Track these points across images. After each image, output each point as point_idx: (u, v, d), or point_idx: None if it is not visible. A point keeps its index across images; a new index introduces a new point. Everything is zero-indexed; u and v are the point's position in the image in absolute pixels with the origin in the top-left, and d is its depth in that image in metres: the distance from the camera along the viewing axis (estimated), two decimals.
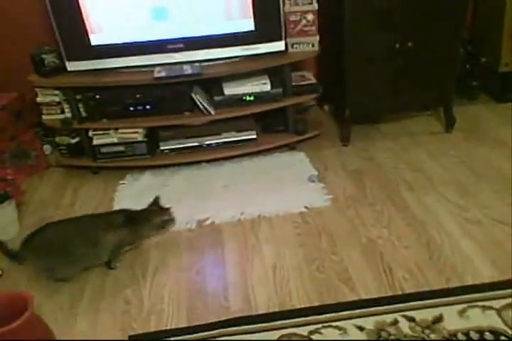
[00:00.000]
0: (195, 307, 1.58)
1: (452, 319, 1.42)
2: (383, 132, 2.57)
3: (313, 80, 2.45)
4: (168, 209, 1.84)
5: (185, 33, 2.17)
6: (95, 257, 1.76)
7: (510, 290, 1.48)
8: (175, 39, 2.17)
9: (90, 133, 2.28)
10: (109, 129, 2.26)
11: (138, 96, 2.21)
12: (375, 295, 1.54)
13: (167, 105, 2.24)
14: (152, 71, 2.17)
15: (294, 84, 2.38)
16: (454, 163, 2.21)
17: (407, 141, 2.45)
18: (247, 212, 2.04)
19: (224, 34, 2.18)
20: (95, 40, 2.17)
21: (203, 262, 1.79)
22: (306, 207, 2.03)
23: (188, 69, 2.14)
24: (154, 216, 1.81)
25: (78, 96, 2.23)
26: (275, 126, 2.48)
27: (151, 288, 1.68)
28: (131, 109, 2.23)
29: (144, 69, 2.20)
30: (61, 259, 1.71)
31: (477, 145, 2.33)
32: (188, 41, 2.17)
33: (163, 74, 2.12)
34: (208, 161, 2.37)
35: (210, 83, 2.31)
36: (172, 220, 1.83)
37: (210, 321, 1.51)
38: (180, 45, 2.17)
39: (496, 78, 2.72)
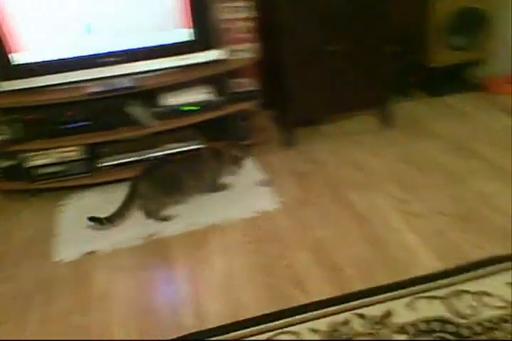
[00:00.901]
0: (146, 326, 1.53)
1: (401, 312, 1.45)
2: (326, 133, 2.61)
3: (254, 87, 2.45)
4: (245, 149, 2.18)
5: (117, 46, 2.12)
6: (198, 189, 2.12)
7: (452, 279, 1.53)
8: (108, 53, 2.12)
9: (26, 155, 2.19)
10: (45, 149, 2.18)
11: (73, 113, 2.14)
12: (327, 296, 1.55)
13: (104, 120, 2.18)
14: (86, 86, 2.12)
15: (234, 91, 2.38)
16: (394, 160, 2.27)
17: (349, 140, 2.50)
18: (197, 222, 2.01)
19: (159, 45, 2.15)
20: (23, 58, 2.09)
21: (152, 279, 1.74)
22: (256, 212, 2.03)
23: (123, 83, 2.10)
24: (231, 151, 2.13)
25: (10, 117, 2.14)
26: (219, 134, 2.47)
27: (99, 312, 1.62)
28: (67, 126, 2.16)
29: (77, 85, 2.14)
30: (174, 192, 2.05)
31: (415, 141, 2.41)
32: (122, 54, 2.13)
33: (96, 89, 2.07)
34: None
35: (149, 95, 2.26)
36: (241, 158, 2.15)
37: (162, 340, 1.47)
38: (114, 59, 2.12)
39: (427, 74, 2.83)
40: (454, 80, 2.91)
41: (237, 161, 2.15)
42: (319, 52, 2.28)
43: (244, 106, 2.38)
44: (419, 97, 2.85)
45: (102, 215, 1.99)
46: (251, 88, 2.41)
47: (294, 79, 2.33)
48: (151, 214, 2.06)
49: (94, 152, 2.30)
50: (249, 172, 2.33)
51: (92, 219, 2.00)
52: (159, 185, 2.02)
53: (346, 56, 2.31)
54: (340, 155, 2.38)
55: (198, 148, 2.26)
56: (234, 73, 2.39)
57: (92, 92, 2.07)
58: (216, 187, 2.19)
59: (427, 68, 2.75)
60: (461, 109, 2.65)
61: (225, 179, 2.23)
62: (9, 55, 2.08)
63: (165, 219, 2.05)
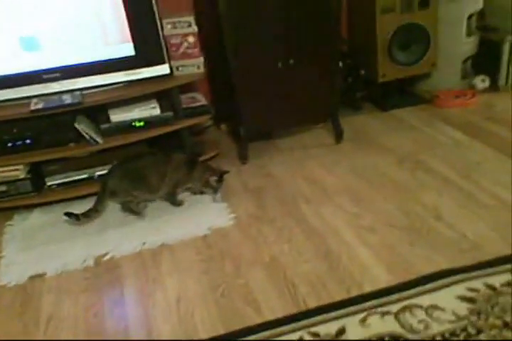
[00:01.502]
0: None
1: (354, 329, 1.44)
2: (279, 147, 2.62)
3: (204, 101, 2.44)
4: (221, 174, 2.16)
5: (60, 62, 2.07)
6: (159, 189, 2.10)
7: (404, 293, 1.54)
8: (51, 68, 2.06)
9: None
10: None
11: (15, 130, 2.06)
12: (281, 314, 1.53)
13: (49, 137, 2.11)
14: (30, 103, 2.04)
15: (184, 106, 2.35)
16: (345, 173, 2.30)
17: (302, 154, 2.52)
18: (149, 241, 1.96)
19: (104, 60, 2.11)
20: None
21: (101, 303, 1.67)
22: (209, 229, 1.99)
23: (67, 99, 2.04)
24: (207, 170, 2.17)
25: None
26: (173, 149, 2.43)
27: (46, 337, 1.55)
28: (10, 144, 2.08)
29: (20, 101, 2.06)
30: (142, 186, 2.07)
31: (366, 154, 2.44)
32: (66, 69, 2.07)
33: (40, 106, 2.00)
34: None
35: (96, 111, 2.21)
36: (214, 188, 2.16)
37: None
38: (58, 74, 2.06)
39: (376, 88, 2.89)
40: (403, 94, 3.00)
41: (208, 184, 2.16)
42: (268, 67, 2.30)
43: (196, 121, 2.36)
44: (370, 111, 2.91)
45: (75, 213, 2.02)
46: (202, 103, 2.39)
47: (244, 94, 2.33)
48: (129, 209, 2.13)
49: (40, 171, 2.21)
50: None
51: (67, 214, 2.01)
52: (127, 178, 2.06)
53: (295, 71, 2.33)
54: (293, 169, 2.39)
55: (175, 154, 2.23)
56: (184, 88, 2.37)
57: (36, 109, 1.99)
58: (174, 197, 2.16)
59: (376, 82, 2.82)
60: (410, 123, 2.71)
61: (182, 195, 2.21)
62: None
63: (180, 203, 2.16)
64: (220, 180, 2.17)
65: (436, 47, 2.79)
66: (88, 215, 2.03)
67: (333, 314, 1.50)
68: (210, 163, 2.32)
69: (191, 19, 2.20)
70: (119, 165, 2.08)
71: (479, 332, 1.38)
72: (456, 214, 1.91)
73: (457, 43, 2.89)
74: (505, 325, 1.39)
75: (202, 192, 2.22)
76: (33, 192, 2.16)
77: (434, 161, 2.30)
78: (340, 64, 2.74)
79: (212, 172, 2.18)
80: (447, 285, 1.55)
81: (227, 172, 2.21)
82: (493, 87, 2.96)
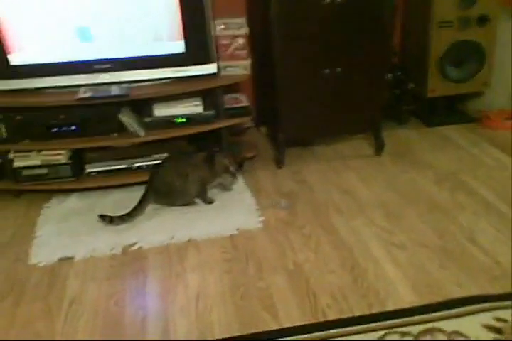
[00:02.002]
0: (111, 338, 1.50)
1: None
2: (316, 155, 2.60)
3: (247, 103, 2.44)
4: (241, 162, 2.23)
5: (112, 54, 2.13)
6: (189, 192, 2.14)
7: (427, 315, 1.49)
8: (102, 59, 2.12)
9: (11, 155, 2.16)
10: (31, 151, 2.15)
11: (62, 117, 2.12)
12: (298, 323, 1.52)
13: (93, 126, 2.16)
14: (79, 92, 2.10)
15: (227, 106, 2.37)
16: (381, 187, 2.25)
17: (339, 164, 2.48)
18: (177, 236, 1.98)
19: (153, 55, 2.15)
20: (16, 59, 2.09)
21: (123, 292, 1.70)
22: (237, 229, 2.00)
23: (114, 90, 2.09)
24: (226, 160, 2.17)
25: (1, 116, 2.13)
26: (209, 148, 2.45)
27: (65, 321, 1.58)
28: (55, 130, 2.15)
29: (69, 89, 2.13)
30: (174, 196, 2.14)
31: (405, 169, 2.39)
32: (116, 62, 2.12)
33: (88, 94, 2.06)
34: (138, 184, 2.29)
35: (141, 104, 2.26)
36: (233, 175, 2.19)
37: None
38: (108, 66, 2.12)
39: (424, 103, 2.83)
40: (451, 111, 2.91)
41: (228, 170, 2.17)
42: (313, 74, 2.28)
43: (236, 121, 2.37)
44: (415, 126, 2.84)
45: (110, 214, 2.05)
46: (244, 104, 2.40)
47: (286, 100, 2.33)
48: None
49: (81, 157, 2.28)
50: (236, 187, 2.31)
51: (101, 216, 2.04)
52: (160, 194, 2.14)
53: (341, 79, 2.30)
54: (329, 178, 2.36)
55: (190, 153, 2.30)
56: (228, 88, 2.39)
57: (84, 98, 2.05)
58: (204, 194, 2.18)
59: (424, 97, 2.75)
60: (456, 141, 2.64)
61: (213, 192, 2.23)
62: (8, 56, 2.07)
63: (210, 201, 2.19)
64: (240, 167, 2.22)
65: (490, 66, 2.70)
66: (123, 219, 2.04)
67: (351, 328, 1.47)
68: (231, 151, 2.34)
69: (243, 21, 2.21)
70: (150, 180, 2.12)
71: None
72: (492, 239, 1.84)
73: None
74: None
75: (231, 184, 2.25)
76: (72, 177, 2.22)
77: (475, 183, 2.23)
78: (390, 76, 2.70)
79: (231, 159, 2.18)
80: (474, 312, 1.49)
81: (246, 158, 2.25)
82: None
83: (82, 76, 2.12)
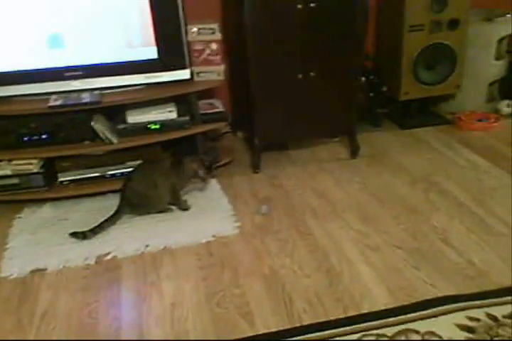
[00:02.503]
0: None
1: None
2: (293, 159, 2.61)
3: (222, 108, 2.44)
4: (210, 165, 2.16)
5: (83, 61, 2.10)
6: (161, 199, 2.12)
7: (401, 317, 1.50)
8: (73, 66, 2.10)
9: None
10: (1, 161, 2.11)
11: (33, 125, 2.09)
12: (274, 328, 1.51)
13: (65, 134, 2.13)
14: (50, 99, 2.07)
15: (202, 112, 2.36)
16: (356, 189, 2.27)
17: (315, 167, 2.49)
18: (152, 244, 1.96)
19: (126, 62, 2.14)
20: None
21: (97, 303, 1.67)
22: (213, 236, 1.99)
23: (86, 98, 2.07)
24: (194, 164, 2.13)
25: None
26: (186, 153, 2.44)
27: (37, 334, 1.55)
28: (26, 138, 2.11)
29: (40, 97, 2.10)
30: (147, 206, 2.12)
31: (380, 172, 2.41)
32: (87, 68, 2.10)
33: (59, 102, 2.03)
34: (112, 192, 2.26)
35: (114, 111, 2.24)
36: (202, 179, 2.17)
37: None
38: (79, 73, 2.10)
39: (397, 106, 2.86)
40: (425, 114, 2.95)
41: (197, 175, 2.15)
42: (287, 78, 2.29)
43: (212, 127, 2.36)
44: (389, 128, 2.87)
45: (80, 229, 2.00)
46: (219, 110, 2.40)
47: (261, 104, 2.33)
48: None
49: (53, 166, 2.24)
50: (212, 193, 2.31)
51: (73, 234, 1.99)
52: (133, 205, 2.11)
53: (315, 84, 2.32)
54: (304, 182, 2.36)
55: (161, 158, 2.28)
56: (203, 94, 2.38)
57: (55, 106, 2.03)
58: (178, 201, 2.17)
59: (397, 100, 2.78)
60: (428, 143, 2.67)
61: (188, 199, 2.21)
62: None
63: (186, 207, 2.17)
64: (209, 171, 2.18)
65: (462, 68, 2.75)
66: (95, 232, 2.00)
67: (326, 332, 1.47)
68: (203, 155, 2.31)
69: (216, 26, 2.21)
70: (122, 193, 2.10)
71: None
72: (466, 240, 1.86)
73: (485, 66, 2.84)
74: None
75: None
76: (44, 187, 2.18)
77: (448, 184, 2.26)
78: (363, 79, 2.72)
79: (199, 163, 2.15)
80: (447, 312, 1.51)
81: (216, 162, 2.23)
82: None
83: (53, 83, 2.10)
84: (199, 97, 2.34)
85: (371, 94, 2.80)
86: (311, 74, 2.29)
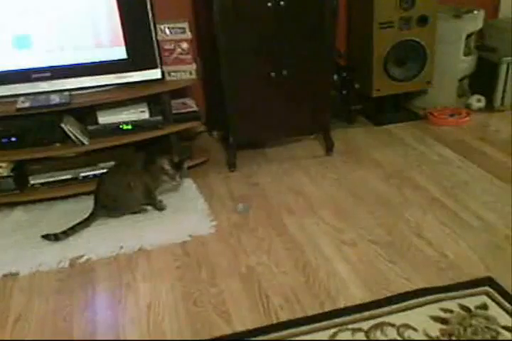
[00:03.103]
0: None
1: None
2: (268, 157, 2.61)
3: (195, 107, 2.43)
4: (179, 162, 2.12)
5: (51, 62, 2.07)
6: (135, 201, 2.10)
7: (377, 311, 1.51)
8: (40, 68, 2.06)
9: None
10: None
11: (1, 128, 2.05)
12: (251, 327, 1.51)
13: (35, 137, 2.10)
14: (18, 101, 2.04)
15: (175, 111, 2.34)
16: (332, 186, 2.28)
17: (290, 164, 2.50)
18: (126, 245, 1.94)
19: (94, 62, 2.11)
20: None
21: (72, 306, 1.65)
22: (190, 236, 1.97)
23: (55, 99, 2.03)
24: (163, 161, 2.09)
25: None
26: (159, 154, 2.42)
27: (12, 338, 1.52)
28: None
29: (7, 99, 2.06)
30: (120, 207, 2.09)
31: (354, 168, 2.43)
32: (56, 70, 2.07)
33: (26, 104, 1.99)
34: (85, 194, 2.23)
35: (84, 112, 2.20)
36: (170, 176, 2.10)
37: None
38: (47, 74, 2.06)
39: (370, 102, 2.88)
40: (398, 110, 2.98)
41: (165, 171, 2.10)
42: (260, 76, 2.29)
43: (185, 126, 2.35)
44: (363, 125, 2.89)
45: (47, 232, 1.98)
46: (193, 109, 2.38)
47: (234, 103, 2.33)
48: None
49: (24, 169, 2.20)
50: (188, 193, 2.29)
51: (45, 236, 1.97)
52: (106, 208, 2.08)
53: (288, 82, 2.32)
54: (281, 180, 2.37)
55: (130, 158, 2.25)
56: (177, 94, 2.37)
57: (23, 108, 1.99)
58: (153, 200, 2.15)
59: (370, 97, 2.81)
60: (402, 139, 2.70)
61: (163, 199, 2.20)
62: None
63: (161, 208, 2.15)
64: (178, 168, 2.12)
65: (432, 64, 2.79)
66: (67, 234, 1.97)
67: (303, 328, 1.48)
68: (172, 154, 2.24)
69: (186, 25, 2.20)
70: (95, 197, 2.08)
71: None
72: (439, 233, 1.89)
73: (455, 62, 2.89)
74: None
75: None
76: (15, 190, 2.15)
77: (421, 178, 2.29)
78: (336, 77, 2.74)
79: (167, 161, 2.10)
80: (421, 305, 1.53)
81: (186, 159, 2.18)
82: (489, 107, 2.95)
83: (21, 85, 2.06)
84: (172, 97, 2.33)
85: (344, 92, 2.82)
86: (284, 72, 2.30)
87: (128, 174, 2.09)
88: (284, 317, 1.54)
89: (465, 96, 3.00)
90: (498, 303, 1.51)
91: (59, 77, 2.07)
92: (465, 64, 2.91)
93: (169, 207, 2.17)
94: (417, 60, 2.76)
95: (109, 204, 2.08)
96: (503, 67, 2.84)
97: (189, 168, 2.42)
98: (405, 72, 2.77)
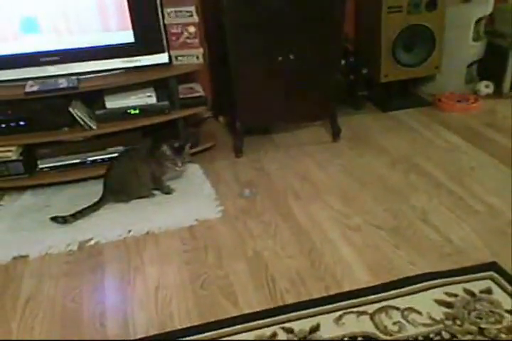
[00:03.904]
0: (68, 337, 1.48)
1: (328, 327, 1.44)
2: (275, 143, 2.61)
3: (202, 92, 2.43)
4: (181, 146, 2.13)
5: (59, 45, 2.07)
6: (143, 186, 2.13)
7: (381, 294, 1.53)
8: (48, 51, 2.06)
9: None
10: None
11: (10, 112, 2.06)
12: (257, 309, 1.53)
13: (43, 121, 2.11)
14: (25, 85, 2.04)
15: (182, 96, 2.35)
16: (338, 172, 2.28)
17: (297, 150, 2.50)
18: (135, 229, 1.96)
19: (102, 46, 2.11)
20: None
21: (81, 288, 1.68)
22: (196, 220, 1.99)
23: (63, 83, 2.04)
24: (162, 147, 2.09)
25: None
26: (166, 139, 2.43)
27: (20, 320, 1.55)
28: (3, 126, 2.08)
29: (16, 83, 2.06)
30: (128, 192, 2.11)
31: (361, 154, 2.43)
32: (63, 54, 2.07)
33: (35, 88, 2.00)
34: (94, 178, 2.25)
35: (92, 96, 2.21)
36: (171, 161, 2.11)
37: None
38: (55, 58, 2.06)
39: (378, 88, 2.87)
40: (405, 96, 2.97)
41: (167, 156, 2.11)
42: (267, 61, 2.28)
43: (192, 111, 2.35)
44: (370, 111, 2.88)
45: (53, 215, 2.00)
46: (199, 94, 2.38)
47: (241, 88, 2.32)
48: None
49: (33, 153, 2.22)
50: (196, 178, 2.31)
51: (53, 218, 1.99)
52: (116, 193, 2.11)
53: (294, 67, 2.31)
54: (287, 165, 2.38)
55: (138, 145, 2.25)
56: (184, 78, 2.36)
57: (31, 92, 2.00)
58: (161, 185, 2.17)
59: (378, 82, 2.79)
60: (409, 125, 2.69)
61: (170, 184, 2.21)
62: None
63: (168, 191, 2.17)
64: (179, 153, 2.12)
65: (441, 50, 2.76)
66: (76, 217, 2.00)
67: (309, 311, 1.50)
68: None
69: (193, 9, 2.19)
70: (104, 183, 2.10)
71: (453, 336, 1.37)
72: (444, 219, 1.90)
73: (463, 47, 2.86)
74: (480, 331, 1.38)
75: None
76: (24, 174, 2.17)
77: (428, 164, 2.28)
78: (343, 62, 2.72)
79: (167, 146, 2.10)
80: (426, 289, 1.54)
81: (186, 144, 2.16)
82: (497, 93, 2.92)
83: (29, 69, 2.07)
84: (179, 82, 2.33)
85: (351, 77, 2.80)
86: (291, 56, 2.29)
87: (136, 160, 2.11)
88: (289, 300, 1.56)
89: (473, 82, 2.98)
90: (503, 288, 1.53)
91: (67, 61, 2.08)
92: (474, 49, 2.88)
93: (176, 192, 2.19)
94: (426, 45, 2.73)
95: (118, 189, 2.10)
96: None
97: (196, 153, 2.44)
98: (413, 57, 2.74)
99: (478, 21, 2.82)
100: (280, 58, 2.28)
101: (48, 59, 2.06)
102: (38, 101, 2.05)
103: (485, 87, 2.93)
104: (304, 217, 1.98)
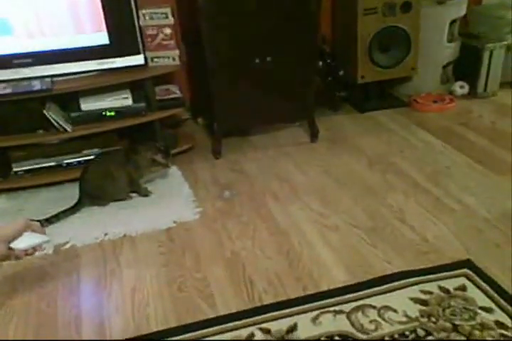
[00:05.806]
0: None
1: (305, 327, 1.44)
2: (254, 144, 2.61)
3: (179, 94, 2.42)
4: (166, 150, 2.15)
5: (33, 47, 2.04)
6: (120, 189, 2.11)
7: (358, 293, 1.54)
8: (21, 54, 2.03)
9: None
10: None
11: None
12: (234, 310, 1.53)
13: (17, 123, 2.08)
14: None
15: (158, 98, 2.33)
16: (317, 172, 2.29)
17: (276, 152, 2.51)
18: (111, 232, 1.94)
19: (77, 48, 2.09)
20: None
21: (56, 292, 1.65)
22: (174, 222, 1.98)
23: (36, 85, 2.01)
24: (149, 151, 2.11)
25: None
26: (143, 141, 2.41)
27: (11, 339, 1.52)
28: None
29: None
30: (105, 195, 2.10)
31: (339, 154, 2.44)
32: (37, 55, 2.04)
33: (8, 90, 1.97)
34: (69, 181, 2.22)
35: (67, 98, 2.18)
36: (163, 164, 2.15)
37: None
38: (29, 60, 2.03)
39: (355, 89, 2.89)
40: (382, 97, 3.00)
41: (156, 162, 2.12)
42: (244, 63, 2.29)
43: (169, 113, 2.34)
44: (348, 112, 2.90)
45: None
46: (176, 95, 2.37)
47: (219, 90, 2.32)
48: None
49: (7, 156, 2.18)
50: (173, 180, 2.29)
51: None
52: (91, 197, 2.09)
53: (272, 68, 2.32)
54: (266, 167, 2.38)
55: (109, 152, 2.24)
56: (161, 80, 2.35)
57: (4, 94, 1.97)
58: (138, 188, 2.16)
59: (355, 84, 2.82)
60: (386, 125, 2.72)
61: (148, 185, 2.20)
62: None
63: (145, 193, 2.17)
64: (167, 155, 2.16)
65: (416, 51, 2.80)
66: (51, 221, 1.97)
67: (286, 311, 1.50)
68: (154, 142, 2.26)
69: (168, 10, 2.18)
70: (80, 187, 2.08)
71: (428, 334, 1.38)
72: (420, 218, 1.92)
73: (438, 48, 2.90)
74: (454, 328, 1.40)
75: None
76: None
77: (404, 164, 2.31)
78: (320, 63, 2.74)
79: (155, 150, 2.13)
80: (402, 287, 1.55)
81: (169, 146, 2.20)
82: (472, 93, 2.97)
83: (2, 71, 2.03)
84: (156, 83, 2.32)
85: (329, 78, 2.82)
86: (268, 58, 2.29)
87: (111, 163, 2.09)
88: (267, 300, 1.56)
89: (449, 82, 3.03)
90: (477, 285, 1.55)
91: (41, 63, 2.05)
92: (449, 50, 2.93)
93: (154, 194, 2.18)
94: (401, 46, 2.76)
95: (94, 193, 2.08)
96: (487, 54, 2.86)
97: (174, 155, 2.43)
98: (389, 58, 2.77)
99: (452, 23, 2.86)
100: (257, 60, 2.29)
101: (21, 61, 2.03)
102: (11, 103, 2.02)
103: (460, 88, 2.97)
104: (283, 217, 1.98)
